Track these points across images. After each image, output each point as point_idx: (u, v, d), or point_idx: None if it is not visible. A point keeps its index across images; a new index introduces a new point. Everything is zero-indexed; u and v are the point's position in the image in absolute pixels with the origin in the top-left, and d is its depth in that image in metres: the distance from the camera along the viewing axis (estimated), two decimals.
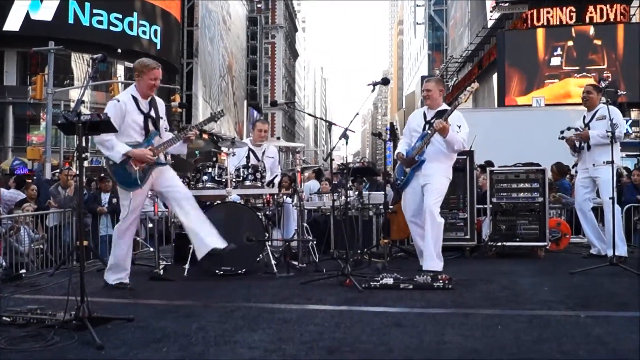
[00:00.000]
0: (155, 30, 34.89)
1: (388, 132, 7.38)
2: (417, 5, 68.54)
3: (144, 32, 34.40)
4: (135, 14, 34.03)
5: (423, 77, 46.61)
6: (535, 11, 30.44)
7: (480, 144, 10.67)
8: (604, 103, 6.55)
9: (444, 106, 6.08)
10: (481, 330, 3.71)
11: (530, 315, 4.11)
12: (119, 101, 5.07)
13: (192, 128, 5.39)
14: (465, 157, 6.83)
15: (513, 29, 32.47)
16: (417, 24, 69.17)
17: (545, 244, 6.94)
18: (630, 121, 29.99)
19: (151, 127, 5.20)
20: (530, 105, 24.38)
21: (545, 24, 30.20)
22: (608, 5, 29.83)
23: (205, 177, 6.04)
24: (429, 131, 5.82)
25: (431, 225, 5.68)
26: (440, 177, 5.84)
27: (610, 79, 25.50)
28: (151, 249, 7.27)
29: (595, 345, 3.35)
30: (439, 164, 5.85)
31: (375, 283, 5.00)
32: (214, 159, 6.68)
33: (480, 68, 37.56)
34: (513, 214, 6.92)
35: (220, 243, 5.20)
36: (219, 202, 5.95)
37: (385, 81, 5.50)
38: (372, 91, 5.44)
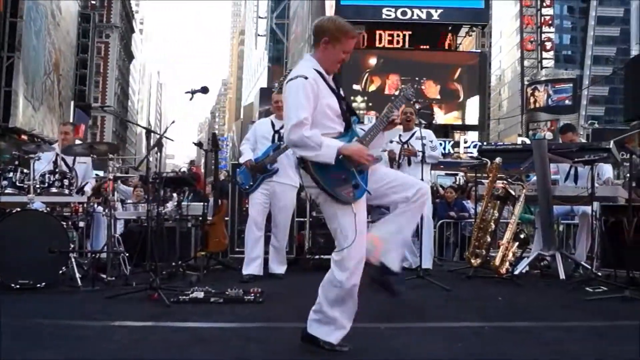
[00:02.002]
0: None
1: (210, 142, 7.24)
2: (260, 17, 69.10)
3: None
4: None
5: (262, 89, 47.04)
6: (370, 33, 31.93)
7: None
8: (417, 125, 6.94)
9: None
10: (285, 344, 3.71)
11: None
12: (307, 78, 3.39)
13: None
14: None
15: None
16: (259, 35, 69.69)
17: None
18: (452, 142, 32.26)
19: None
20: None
21: (379, 45, 31.82)
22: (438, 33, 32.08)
23: (4, 182, 5.53)
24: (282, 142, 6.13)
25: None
26: (292, 191, 6.33)
27: (426, 102, 27.48)
28: None
29: (395, 356, 3.47)
30: (289, 174, 6.19)
31: (184, 297, 4.86)
32: (16, 162, 6.12)
33: None
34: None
35: None
36: (18, 209, 5.48)
37: (204, 90, 5.40)
38: (191, 99, 5.32)
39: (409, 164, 6.96)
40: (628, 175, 6.44)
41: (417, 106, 7.32)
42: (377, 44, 32.12)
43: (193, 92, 5.34)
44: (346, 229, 3.33)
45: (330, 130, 3.37)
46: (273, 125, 6.38)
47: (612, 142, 6.38)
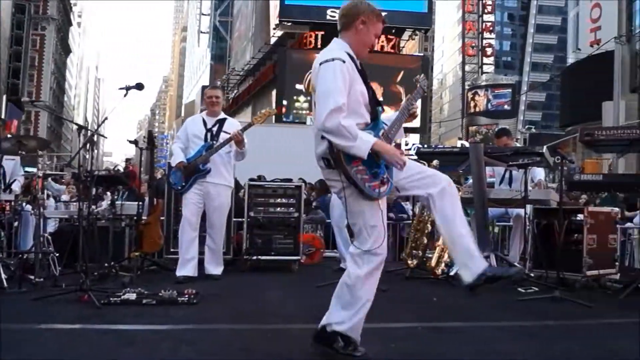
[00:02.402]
0: None
1: (146, 140, 7.08)
2: (203, 14, 68.42)
3: None
4: None
5: (204, 87, 46.36)
6: (315, 33, 31.96)
7: (256, 158, 10.87)
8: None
9: (223, 115, 6.37)
10: (219, 346, 3.66)
11: (271, 330, 4.16)
12: (344, 62, 3.15)
13: None
14: None
15: (293, 47, 33.67)
16: (202, 32, 68.99)
17: (299, 257, 7.14)
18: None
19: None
20: (305, 123, 25.37)
21: (322, 47, 31.82)
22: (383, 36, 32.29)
23: None
24: (219, 141, 6.08)
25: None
26: (227, 191, 6.24)
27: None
28: None
29: (327, 357, 3.45)
30: (223, 174, 6.17)
31: (116, 299, 4.73)
32: None
33: (261, 83, 38.40)
34: (269, 228, 7.02)
35: None
36: None
37: (139, 86, 5.27)
38: (125, 95, 5.18)
39: None
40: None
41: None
42: (320, 45, 32.19)
43: (127, 89, 5.20)
44: (373, 223, 3.21)
45: (360, 120, 3.20)
46: (205, 123, 6.26)
47: (545, 147, 6.55)
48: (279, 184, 7.15)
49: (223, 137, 6.11)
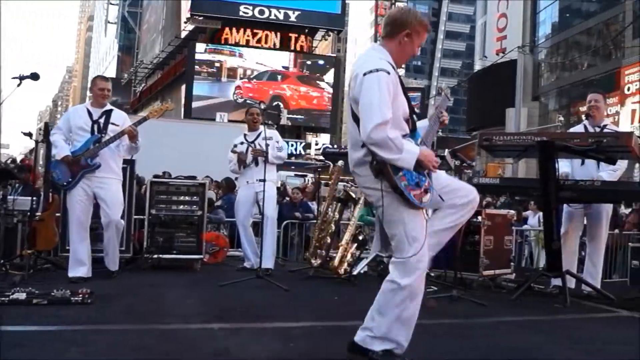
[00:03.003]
0: None
1: (41, 132, 6.76)
2: (111, 4, 66.28)
3: None
4: None
5: (111, 79, 45.14)
6: (227, 29, 31.70)
7: (163, 154, 10.64)
8: (263, 124, 6.93)
9: (109, 106, 6.11)
10: (110, 346, 3.55)
11: (165, 330, 4.06)
12: (389, 73, 3.12)
13: None
14: (126, 165, 6.56)
15: (204, 42, 33.24)
16: (109, 22, 66.83)
17: (202, 256, 7.02)
18: (303, 144, 32.76)
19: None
20: (214, 120, 25.08)
21: (234, 43, 31.66)
22: (294, 35, 32.43)
23: None
24: (107, 134, 5.85)
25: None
26: (117, 184, 5.96)
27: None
28: None
29: (225, 357, 3.44)
30: (113, 168, 5.93)
31: (3, 298, 4.48)
32: None
33: (170, 77, 37.68)
34: (172, 226, 6.86)
35: None
36: None
37: (34, 76, 5.03)
38: (19, 85, 4.93)
39: (257, 164, 6.90)
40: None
41: (262, 106, 7.31)
42: (231, 42, 32.00)
43: (21, 78, 4.95)
44: (415, 233, 3.16)
45: (402, 132, 3.16)
46: (90, 115, 5.91)
47: (446, 150, 6.72)
48: (182, 182, 7.00)
49: (112, 129, 5.87)
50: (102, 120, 5.88)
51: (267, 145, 6.45)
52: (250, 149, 6.97)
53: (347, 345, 3.34)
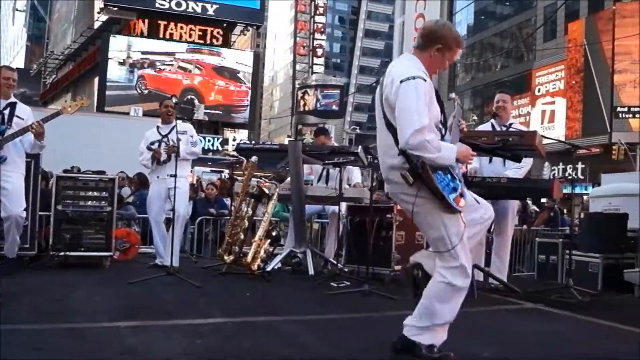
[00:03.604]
0: None
1: None
2: None
3: None
4: None
5: (20, 70, 43.24)
6: (142, 20, 30.98)
7: (73, 148, 10.27)
8: (179, 118, 6.83)
9: (14, 98, 5.86)
10: (8, 347, 3.39)
11: (71, 329, 3.93)
12: (425, 80, 3.21)
13: None
14: (30, 160, 6.30)
15: (118, 34, 32.35)
16: (17, 10, 63.93)
17: (111, 253, 6.84)
18: (220, 139, 32.43)
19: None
20: (128, 114, 24.47)
21: (149, 35, 31.03)
22: (211, 29, 32.07)
23: None
24: (12, 127, 5.60)
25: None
26: (20, 179, 5.71)
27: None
28: None
29: (132, 355, 3.36)
30: (17, 163, 5.69)
31: None
32: None
33: (82, 69, 36.50)
34: (79, 223, 6.65)
35: None
36: None
37: None
38: None
39: (169, 159, 6.76)
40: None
41: (174, 100, 7.17)
42: (145, 33, 31.34)
43: None
44: (458, 237, 3.23)
45: (437, 136, 3.23)
46: None
47: (360, 147, 6.82)
48: (90, 177, 6.80)
49: (17, 122, 5.63)
50: (6, 112, 5.64)
51: (178, 140, 6.34)
52: (164, 145, 6.84)
53: (393, 344, 3.40)
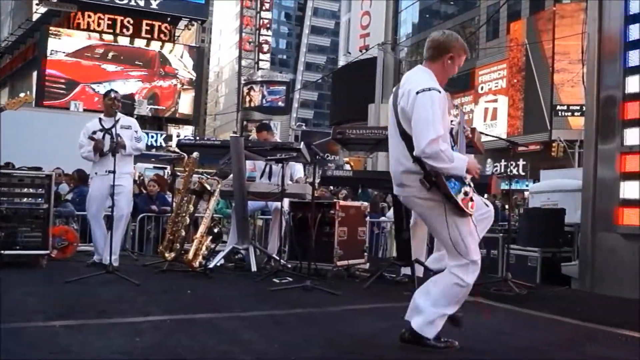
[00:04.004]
0: None
1: None
2: None
3: None
4: None
5: None
6: (83, 13, 30.30)
7: (9, 144, 9.95)
8: (121, 112, 6.71)
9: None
10: None
11: (4, 329, 3.82)
12: (440, 92, 3.43)
13: None
14: None
15: (58, 26, 31.54)
16: None
17: (48, 252, 6.67)
18: (164, 135, 32.02)
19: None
20: (68, 109, 23.94)
21: (90, 28, 30.35)
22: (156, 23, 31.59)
23: None
24: None
25: None
26: None
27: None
28: None
29: (67, 355, 3.30)
30: None
31: None
32: None
33: (20, 62, 35.46)
34: (14, 220, 6.45)
35: None
36: None
37: None
38: None
39: (113, 154, 6.46)
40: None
41: (113, 94, 7.05)
42: (84, 27, 30.68)
43: None
44: (469, 237, 3.46)
45: (449, 146, 3.46)
46: None
47: (302, 143, 6.84)
48: (25, 173, 6.59)
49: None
50: None
51: (117, 135, 6.22)
52: (108, 137, 6.62)
53: (401, 335, 3.59)
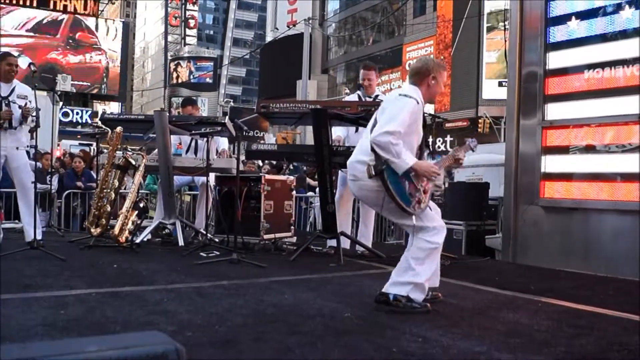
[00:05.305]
0: None
1: None
2: None
3: None
4: None
5: None
6: None
7: None
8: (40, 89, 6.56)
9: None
10: None
11: None
12: (418, 103, 3.89)
13: None
14: None
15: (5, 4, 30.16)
16: None
17: None
18: (90, 112, 31.17)
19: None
20: None
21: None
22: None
23: None
24: None
25: None
26: None
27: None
28: None
29: None
30: None
31: None
32: None
33: None
34: None
35: None
36: None
37: None
38: None
39: (10, 126, 6.18)
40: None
41: (32, 67, 6.88)
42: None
43: None
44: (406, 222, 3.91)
45: (409, 151, 3.83)
46: None
47: (227, 118, 6.88)
48: None
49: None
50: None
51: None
52: (18, 106, 6.24)
53: (377, 297, 3.99)
